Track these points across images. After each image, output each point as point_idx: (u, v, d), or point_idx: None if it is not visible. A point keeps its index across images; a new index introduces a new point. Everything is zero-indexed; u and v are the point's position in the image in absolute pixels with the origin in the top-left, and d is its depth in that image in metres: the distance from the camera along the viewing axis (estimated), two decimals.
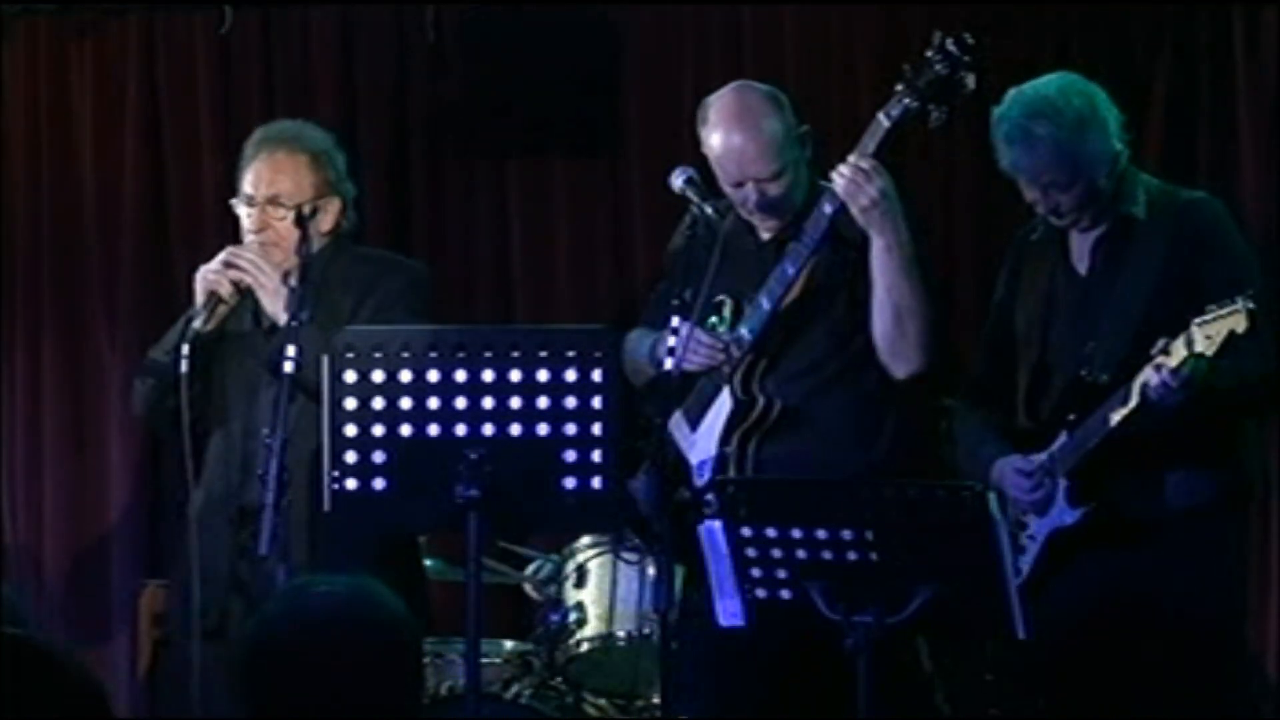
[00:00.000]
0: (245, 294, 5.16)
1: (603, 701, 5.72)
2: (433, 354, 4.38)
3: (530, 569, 5.95)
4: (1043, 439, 4.91)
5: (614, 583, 5.61)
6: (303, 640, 3.00)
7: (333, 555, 4.67)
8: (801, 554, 4.36)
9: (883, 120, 4.94)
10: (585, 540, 5.70)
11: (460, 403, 4.36)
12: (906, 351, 5.01)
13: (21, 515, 6.87)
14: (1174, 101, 6.19)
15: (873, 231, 4.95)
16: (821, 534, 4.33)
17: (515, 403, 4.36)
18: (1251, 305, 4.48)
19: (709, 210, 5.09)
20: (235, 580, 5.04)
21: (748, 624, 4.47)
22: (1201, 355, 4.53)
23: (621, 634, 5.61)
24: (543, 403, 4.36)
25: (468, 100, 6.84)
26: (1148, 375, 4.61)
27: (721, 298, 5.12)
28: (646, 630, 5.53)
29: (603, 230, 6.77)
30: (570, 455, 4.37)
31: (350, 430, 4.37)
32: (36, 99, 6.96)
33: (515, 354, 4.38)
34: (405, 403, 4.37)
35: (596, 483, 4.37)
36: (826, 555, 4.34)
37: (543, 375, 4.37)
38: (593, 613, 5.64)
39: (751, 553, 4.40)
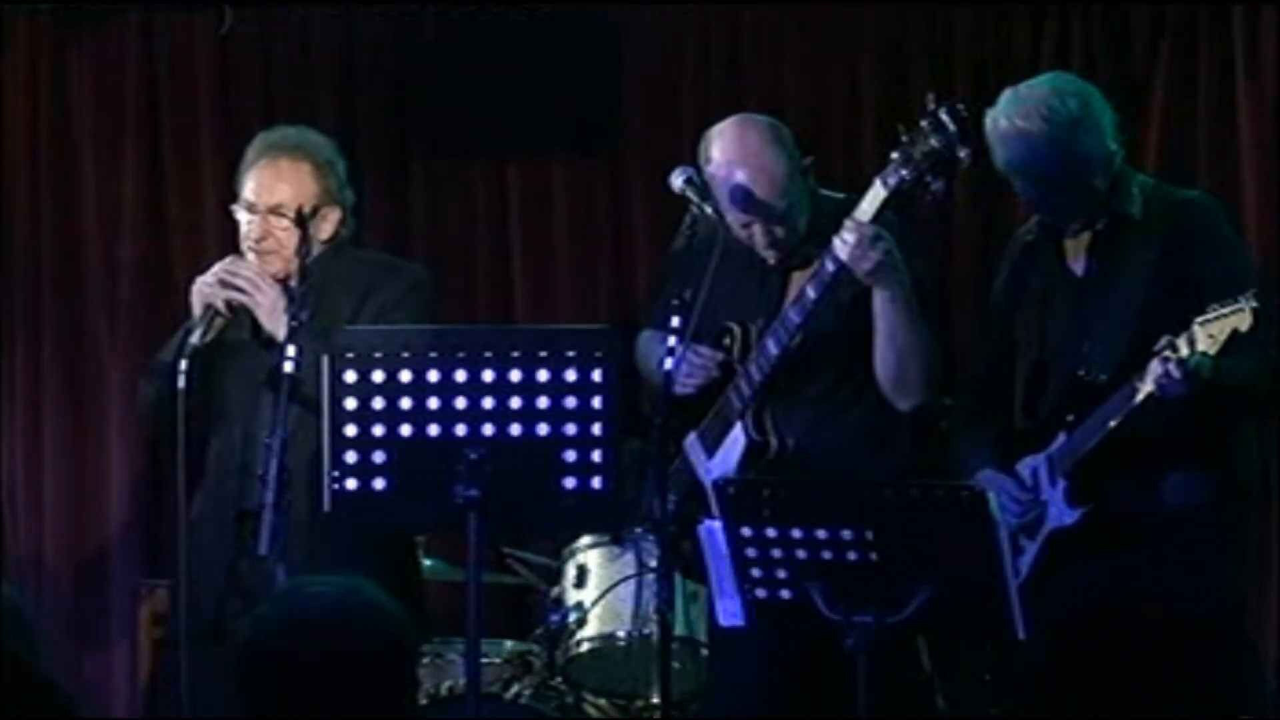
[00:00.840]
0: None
1: (603, 701, 5.72)
2: (433, 354, 4.38)
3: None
4: (1041, 439, 4.91)
5: (614, 583, 5.61)
6: (296, 641, 3.01)
7: (332, 555, 4.66)
8: (801, 554, 4.36)
9: (880, 188, 4.93)
10: (585, 540, 5.70)
11: (460, 403, 4.36)
12: (909, 389, 5.07)
13: (22, 515, 6.87)
14: (1174, 101, 6.19)
15: (877, 289, 4.97)
16: (821, 534, 4.33)
17: (515, 403, 4.36)
18: (1255, 304, 4.49)
19: (709, 210, 5.10)
20: (233, 584, 5.04)
21: (748, 624, 4.47)
22: (1205, 354, 4.54)
23: (621, 634, 5.61)
24: (543, 403, 4.36)
25: (468, 100, 6.84)
26: (1152, 365, 4.61)
27: (729, 325, 5.14)
28: (646, 630, 5.53)
29: (603, 230, 6.77)
30: (570, 455, 4.37)
31: (350, 430, 4.37)
32: (36, 99, 6.95)
33: (515, 354, 4.38)
34: (405, 403, 4.37)
35: (596, 483, 4.37)
36: (826, 555, 4.34)
37: (543, 375, 4.37)
38: (593, 613, 5.64)
39: (751, 553, 4.40)
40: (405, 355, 4.38)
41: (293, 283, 5.02)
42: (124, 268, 6.89)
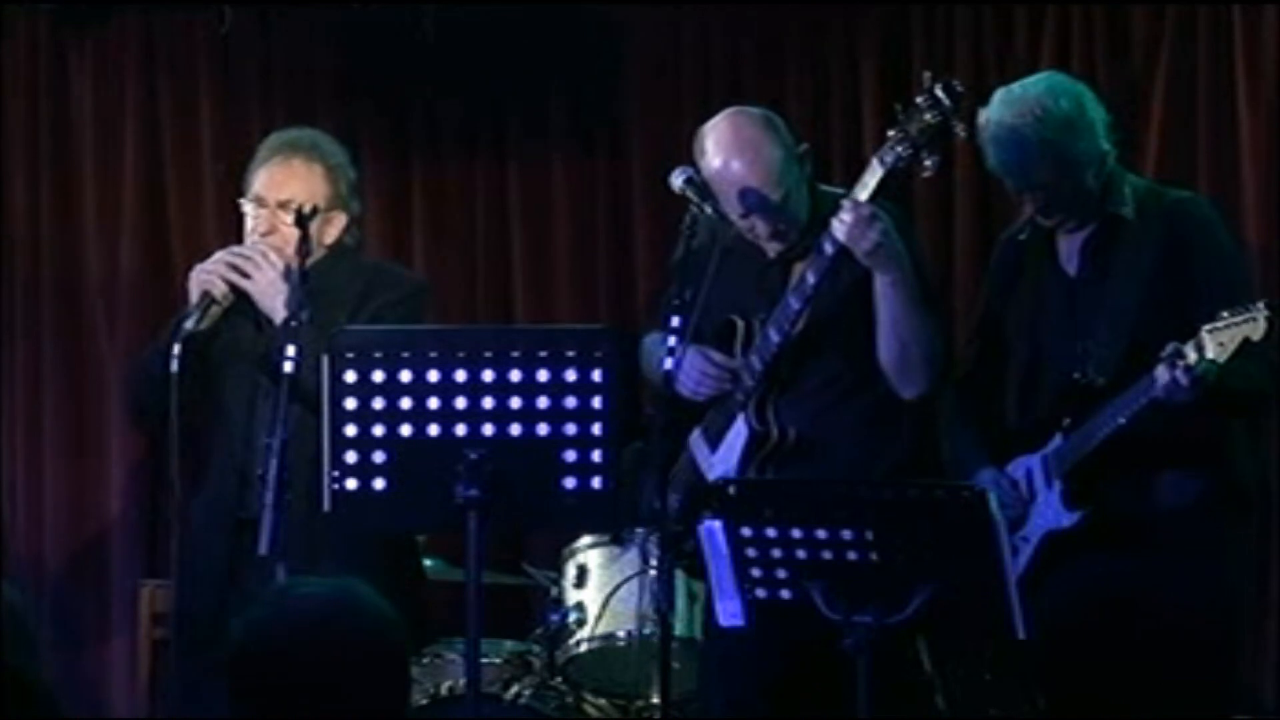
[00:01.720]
0: (242, 297, 5.15)
1: (603, 701, 5.71)
2: (433, 354, 4.38)
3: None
4: (1035, 440, 4.91)
5: (614, 583, 5.61)
6: (288, 642, 3.01)
7: (332, 556, 4.66)
8: (801, 554, 4.36)
9: (877, 166, 4.95)
10: (585, 540, 5.70)
11: (460, 403, 4.36)
12: (913, 376, 5.06)
13: (21, 515, 6.87)
14: (1174, 101, 6.18)
15: (877, 271, 4.97)
16: (821, 534, 4.33)
17: (515, 403, 4.36)
18: (1268, 312, 4.49)
19: (709, 210, 5.10)
20: (232, 589, 5.04)
21: (748, 624, 4.47)
22: (1213, 361, 4.54)
23: (621, 634, 5.61)
24: (543, 403, 4.36)
25: (467, 100, 6.84)
26: (1158, 372, 4.61)
27: (733, 318, 5.14)
28: (647, 630, 5.52)
29: (603, 230, 6.77)
30: (570, 455, 4.37)
31: (350, 430, 4.37)
32: (36, 99, 6.95)
33: (515, 354, 4.38)
34: (405, 403, 4.37)
35: (596, 483, 4.37)
36: (826, 555, 4.34)
37: (543, 375, 4.36)
38: (593, 613, 5.64)
39: (751, 553, 4.40)
40: (405, 355, 4.38)
41: (293, 278, 5.02)
42: (124, 268, 6.89)
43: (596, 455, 4.36)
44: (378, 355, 4.38)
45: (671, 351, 4.82)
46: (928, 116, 4.85)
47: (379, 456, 4.37)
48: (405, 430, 4.37)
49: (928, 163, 4.90)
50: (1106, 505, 4.82)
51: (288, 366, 4.74)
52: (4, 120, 6.89)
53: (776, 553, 4.38)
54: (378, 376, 4.37)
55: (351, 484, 4.38)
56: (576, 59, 6.78)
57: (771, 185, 5.07)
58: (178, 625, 5.27)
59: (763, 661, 5.03)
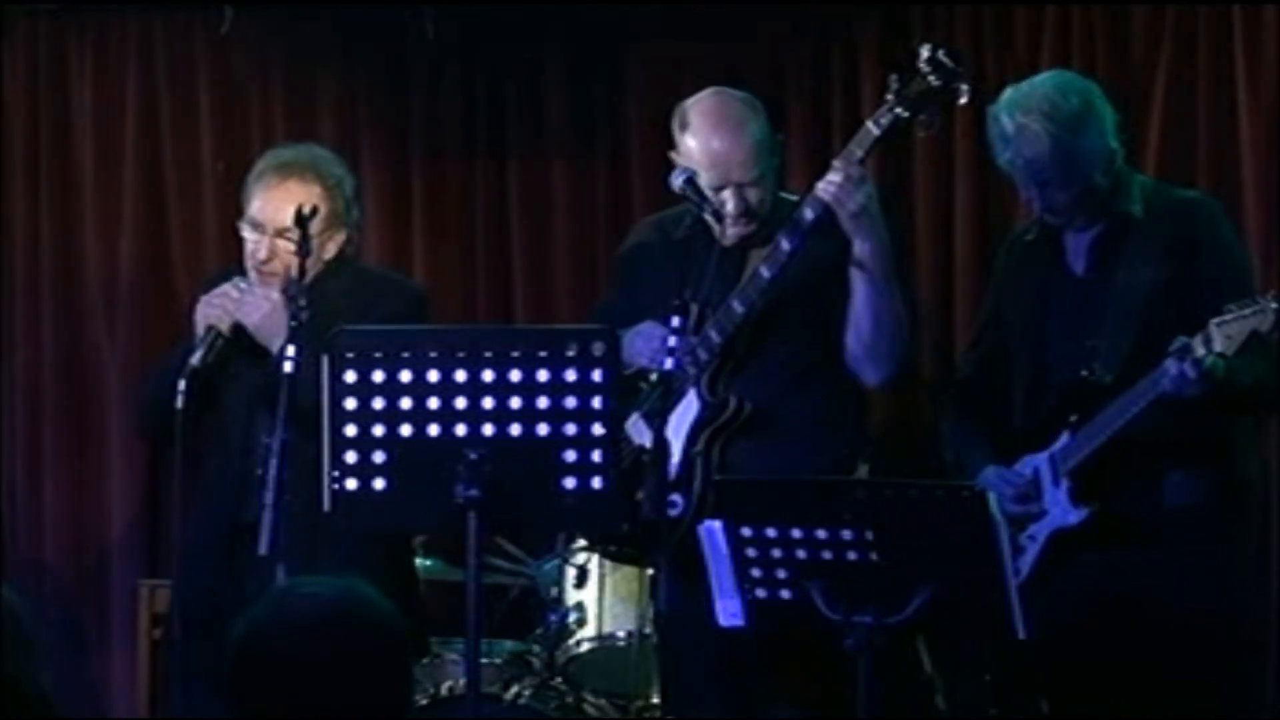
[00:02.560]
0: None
1: (603, 701, 5.71)
2: (433, 354, 4.37)
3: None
4: (1042, 439, 4.91)
5: (614, 583, 5.61)
6: (290, 642, 3.00)
7: (331, 556, 4.66)
8: (801, 554, 4.36)
9: (872, 129, 4.97)
10: (585, 541, 5.70)
11: (460, 403, 4.36)
12: (879, 358, 5.07)
13: (21, 515, 6.87)
14: (1174, 101, 6.18)
15: (857, 238, 4.98)
16: (821, 534, 4.33)
17: (515, 403, 4.36)
18: (1276, 305, 4.49)
19: (708, 210, 5.11)
20: (227, 594, 5.03)
21: (748, 624, 4.47)
22: (1221, 354, 4.54)
23: (621, 634, 5.61)
24: (543, 403, 4.35)
25: (467, 100, 6.84)
26: (1166, 365, 4.62)
27: (686, 300, 5.11)
28: (646, 630, 5.53)
29: (603, 230, 6.77)
30: (570, 455, 4.36)
31: (350, 430, 4.37)
32: (36, 99, 6.95)
33: (515, 354, 4.37)
34: (405, 403, 4.36)
35: (596, 483, 4.36)
36: (826, 555, 4.34)
37: (543, 375, 4.36)
38: (593, 613, 5.64)
39: (751, 553, 4.40)
40: (405, 355, 4.37)
41: (293, 273, 5.01)
42: (124, 268, 6.89)
43: (596, 455, 4.36)
44: (378, 355, 4.37)
45: (671, 352, 4.81)
46: (931, 79, 4.87)
47: (379, 456, 4.37)
48: (405, 430, 4.36)
49: (922, 118, 4.91)
50: (1114, 503, 4.82)
51: (287, 367, 4.74)
52: (4, 120, 6.89)
53: (776, 553, 4.38)
54: (378, 376, 4.37)
55: (351, 484, 4.37)
56: (576, 58, 6.78)
57: (749, 163, 5.09)
58: (176, 628, 5.27)
59: (762, 662, 5.03)
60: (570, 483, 4.36)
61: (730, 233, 5.15)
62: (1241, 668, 5.12)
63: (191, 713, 4.98)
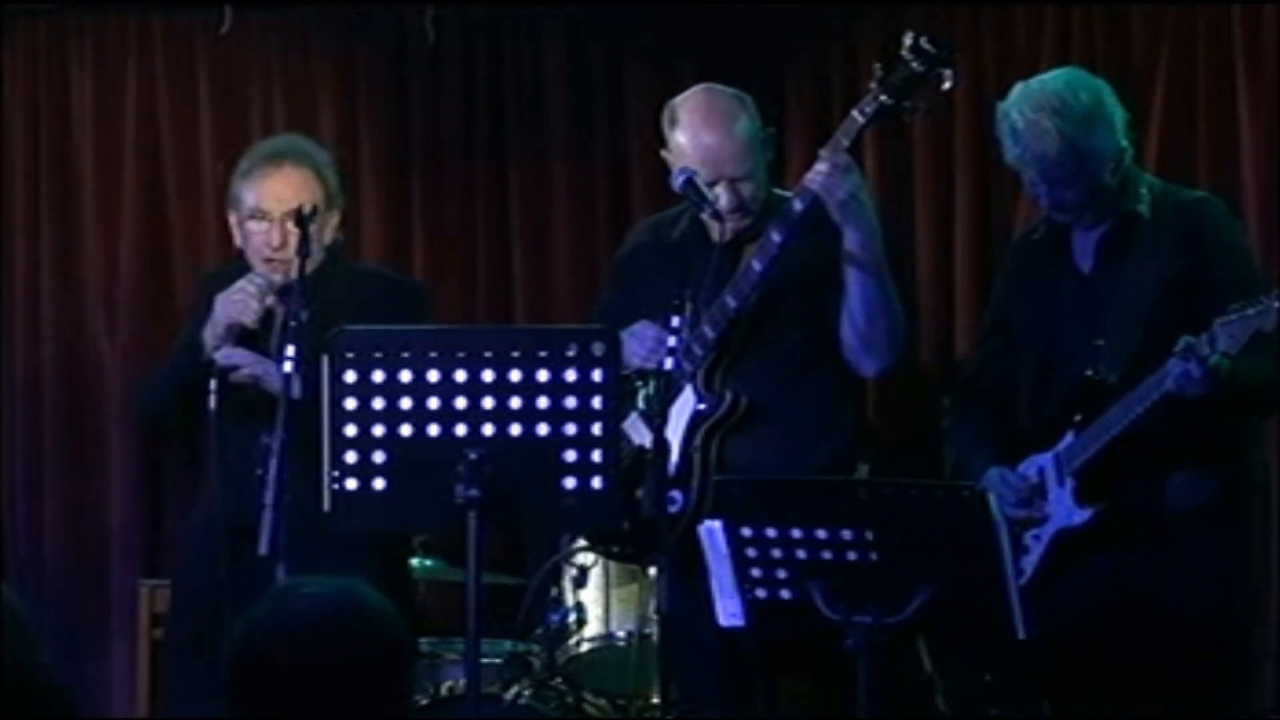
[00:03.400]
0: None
1: (603, 701, 5.71)
2: (433, 354, 4.37)
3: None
4: (1047, 438, 4.91)
5: (614, 583, 5.61)
6: (290, 642, 3.00)
7: (329, 556, 4.66)
8: (801, 554, 4.36)
9: (857, 117, 4.98)
10: (582, 543, 5.70)
11: (460, 403, 4.35)
12: (876, 349, 5.06)
13: (21, 515, 6.87)
14: (1174, 101, 6.18)
15: (848, 227, 4.98)
16: (821, 534, 4.33)
17: (515, 403, 4.35)
18: (1278, 305, 4.49)
19: (708, 210, 5.11)
20: (228, 598, 5.03)
21: (748, 624, 4.47)
22: (1225, 354, 4.54)
23: (621, 634, 5.61)
24: (543, 403, 4.35)
25: (467, 101, 6.84)
26: (1171, 365, 4.62)
27: (679, 297, 5.10)
28: (647, 630, 5.53)
29: (603, 230, 6.77)
30: (570, 455, 4.36)
31: (350, 430, 4.37)
32: (36, 99, 6.95)
33: (515, 354, 4.37)
34: (405, 403, 4.36)
35: (596, 483, 4.36)
36: (826, 555, 4.34)
37: (543, 375, 4.36)
38: (593, 613, 5.64)
39: (751, 553, 4.40)
40: (405, 355, 4.37)
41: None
42: (124, 268, 6.89)
43: (596, 455, 4.36)
44: (378, 355, 4.37)
45: (672, 352, 4.81)
46: (915, 65, 4.88)
47: (379, 456, 4.37)
48: (405, 430, 4.36)
49: (907, 104, 4.92)
50: (1119, 503, 4.82)
51: (287, 366, 4.74)
52: (4, 120, 6.89)
53: (776, 553, 4.38)
54: (378, 376, 4.37)
55: (351, 484, 4.37)
56: (576, 59, 6.78)
57: (741, 157, 5.10)
58: (173, 629, 5.27)
59: (762, 662, 5.03)
60: (570, 483, 4.36)
61: (724, 227, 5.15)
62: (1245, 668, 5.12)
63: (186, 713, 4.98)
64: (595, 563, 5.66)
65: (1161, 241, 4.90)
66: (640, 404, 5.15)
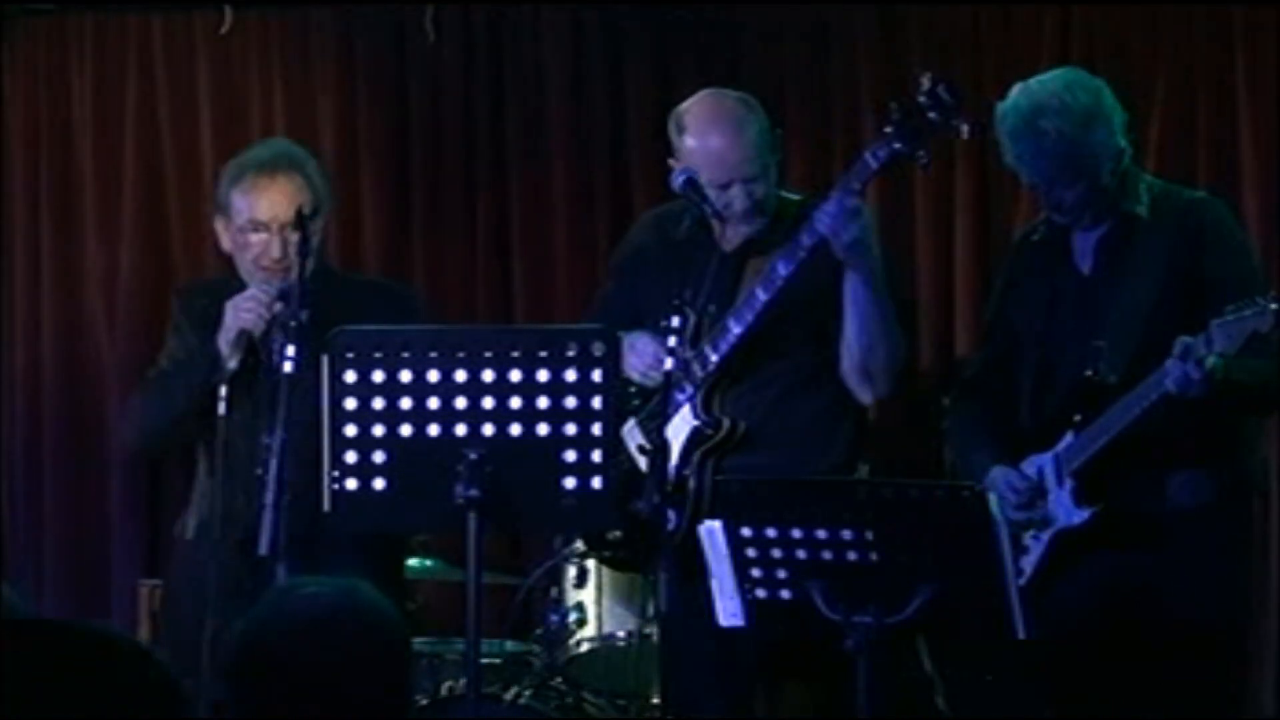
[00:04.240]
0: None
1: (603, 701, 5.71)
2: (433, 354, 4.37)
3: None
4: (1047, 439, 4.91)
5: (613, 583, 5.61)
6: (290, 642, 3.00)
7: (329, 556, 4.65)
8: (801, 554, 4.36)
9: (870, 162, 4.98)
10: (580, 548, 5.69)
11: (460, 403, 4.36)
12: (874, 380, 5.11)
13: (21, 515, 6.87)
14: (1174, 102, 6.18)
15: (851, 267, 4.99)
16: (821, 534, 4.33)
17: (515, 403, 4.36)
18: (1276, 305, 4.49)
19: (708, 211, 5.11)
20: (233, 599, 5.02)
21: (748, 624, 4.47)
22: (1222, 354, 4.54)
23: (621, 634, 5.61)
24: (543, 403, 4.35)
25: (467, 100, 6.84)
26: (1169, 366, 4.62)
27: (683, 309, 5.10)
28: (647, 630, 5.53)
29: (603, 231, 6.77)
30: (570, 455, 4.36)
31: (350, 430, 4.37)
32: (36, 99, 6.96)
33: (515, 354, 4.37)
34: (405, 403, 4.36)
35: (596, 483, 4.36)
36: (826, 555, 4.34)
37: (543, 375, 4.36)
38: (593, 613, 5.64)
39: (751, 553, 4.40)
40: (405, 355, 4.37)
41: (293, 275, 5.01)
42: (124, 269, 6.89)
43: (596, 455, 4.36)
44: (378, 355, 4.38)
45: (672, 352, 4.81)
46: (931, 115, 4.88)
47: (379, 456, 4.37)
48: (405, 430, 4.36)
49: (920, 154, 4.93)
50: (1119, 503, 4.82)
51: (287, 366, 4.73)
52: (4, 120, 6.89)
53: (776, 553, 4.38)
54: (378, 376, 4.37)
55: (351, 484, 4.37)
56: (576, 59, 6.78)
57: (750, 159, 5.10)
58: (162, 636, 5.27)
59: (762, 662, 5.03)
60: (570, 483, 4.36)
61: (736, 233, 5.15)
62: (1244, 668, 5.13)
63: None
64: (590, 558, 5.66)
65: (1161, 242, 4.90)
66: (642, 410, 5.15)
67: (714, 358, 5.08)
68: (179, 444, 5.20)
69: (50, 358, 6.91)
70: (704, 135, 5.13)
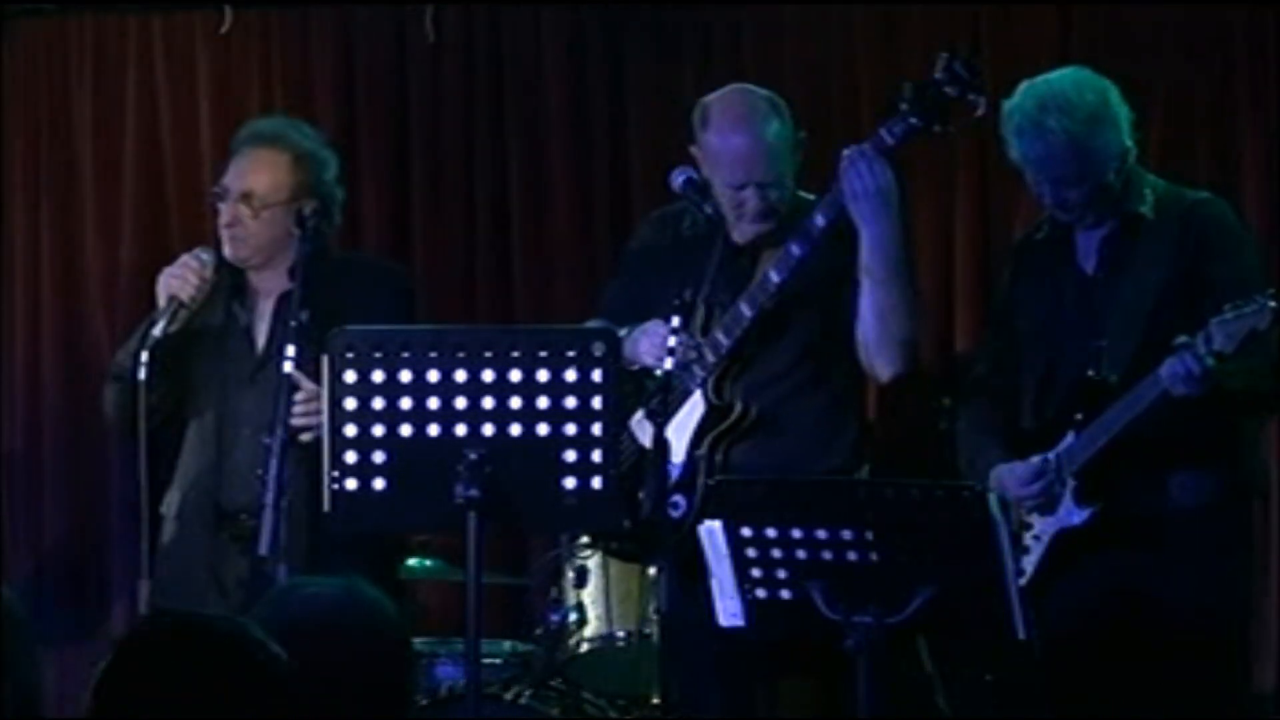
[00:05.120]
0: (214, 292, 5.16)
1: (603, 701, 5.71)
2: (433, 354, 4.37)
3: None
4: (1048, 439, 4.91)
5: (613, 583, 5.61)
6: (290, 642, 3.00)
7: (328, 556, 4.66)
8: (801, 554, 4.36)
9: (885, 138, 4.96)
10: (585, 540, 5.70)
11: (460, 403, 4.35)
12: (891, 352, 5.05)
13: (21, 515, 6.87)
14: (1174, 101, 6.18)
15: (864, 223, 4.96)
16: (821, 534, 4.33)
17: (515, 403, 4.35)
18: (1275, 304, 4.50)
19: (708, 210, 5.10)
20: (215, 583, 5.03)
21: (748, 624, 4.47)
22: (1220, 353, 4.55)
23: (621, 634, 5.61)
24: (543, 403, 4.35)
25: (467, 98, 6.84)
26: (1168, 364, 4.62)
27: (694, 299, 5.11)
28: (647, 630, 5.53)
29: (603, 231, 6.76)
30: (570, 455, 4.36)
31: (350, 430, 4.37)
32: (36, 99, 6.95)
33: (515, 354, 4.37)
34: (405, 403, 4.36)
35: (596, 483, 4.36)
36: (826, 555, 4.34)
37: (543, 375, 4.36)
38: (593, 613, 5.64)
39: (751, 553, 4.40)
40: (405, 355, 4.37)
41: (286, 267, 5.02)
42: (124, 269, 6.89)
43: (596, 455, 4.36)
44: (377, 355, 4.37)
45: (672, 351, 4.81)
46: (946, 90, 4.88)
47: (379, 456, 4.37)
48: (405, 430, 4.36)
49: (936, 129, 4.92)
50: (1119, 503, 4.82)
51: (287, 366, 4.74)
52: (4, 121, 6.89)
53: (776, 553, 4.38)
54: (378, 376, 4.37)
55: (351, 484, 4.37)
56: (576, 57, 6.78)
57: (770, 160, 5.09)
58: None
59: (762, 662, 5.03)
60: (570, 483, 4.36)
61: (747, 230, 5.14)
62: (1244, 668, 5.13)
63: None
64: (593, 556, 5.66)
65: (1164, 242, 4.90)
66: (648, 404, 5.15)
67: (727, 342, 5.07)
68: (160, 419, 5.17)
69: (50, 358, 6.91)
70: (726, 132, 5.11)
